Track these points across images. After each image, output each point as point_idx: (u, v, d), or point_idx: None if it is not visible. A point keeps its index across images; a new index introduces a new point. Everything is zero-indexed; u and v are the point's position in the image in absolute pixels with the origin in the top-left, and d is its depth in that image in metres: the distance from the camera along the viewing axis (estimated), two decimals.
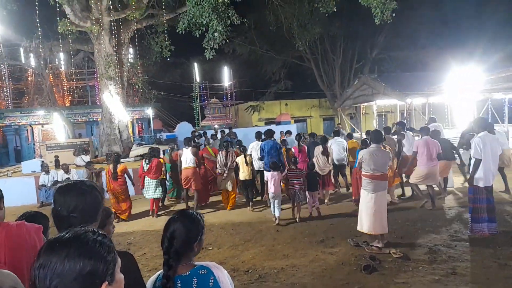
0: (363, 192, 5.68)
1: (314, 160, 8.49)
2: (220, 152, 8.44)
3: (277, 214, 7.23)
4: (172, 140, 16.38)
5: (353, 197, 8.13)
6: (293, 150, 9.12)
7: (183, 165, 8.42)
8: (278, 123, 21.82)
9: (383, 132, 7.56)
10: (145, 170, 8.29)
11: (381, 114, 23.03)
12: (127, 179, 8.26)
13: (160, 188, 8.40)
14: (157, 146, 10.14)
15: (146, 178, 8.29)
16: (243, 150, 8.78)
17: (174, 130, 20.39)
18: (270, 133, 8.65)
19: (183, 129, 18.19)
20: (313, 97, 28.29)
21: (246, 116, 28.35)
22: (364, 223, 5.62)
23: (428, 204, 7.54)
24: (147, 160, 8.36)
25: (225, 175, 8.28)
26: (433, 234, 5.97)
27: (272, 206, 7.34)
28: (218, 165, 8.37)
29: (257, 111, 27.81)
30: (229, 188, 8.38)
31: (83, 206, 1.68)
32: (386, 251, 5.34)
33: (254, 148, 9.04)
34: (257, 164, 8.74)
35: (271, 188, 7.11)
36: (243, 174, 8.36)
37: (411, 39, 23.64)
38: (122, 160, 12.77)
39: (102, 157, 13.86)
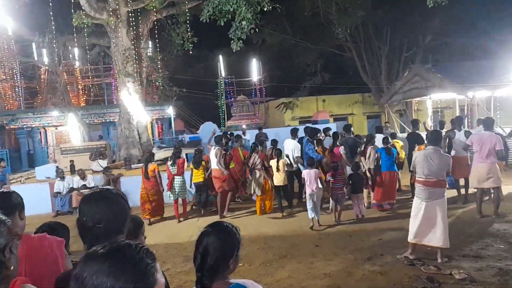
0: (416, 199, 5.66)
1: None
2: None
3: (313, 216, 7.55)
4: (196, 142, 16.61)
5: (374, 200, 8.53)
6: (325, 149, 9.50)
7: (212, 166, 8.95)
8: (315, 122, 21.64)
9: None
10: (173, 173, 8.89)
11: (437, 111, 22.32)
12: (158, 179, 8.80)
13: (186, 187, 8.97)
14: (179, 147, 10.45)
15: (175, 179, 8.85)
16: (278, 153, 8.78)
17: (197, 131, 20.66)
18: (310, 131, 9.06)
19: (208, 130, 18.41)
20: (355, 91, 27.85)
21: (277, 115, 28.32)
22: (416, 233, 5.57)
23: (498, 213, 7.33)
24: (171, 162, 8.89)
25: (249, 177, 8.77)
26: (503, 252, 5.72)
27: (309, 208, 7.61)
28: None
29: (290, 109, 27.71)
30: (257, 192, 8.69)
31: (110, 216, 1.72)
32: (447, 272, 5.14)
33: (289, 146, 9.30)
34: (294, 164, 9.11)
35: (307, 188, 7.66)
36: (276, 179, 8.68)
37: (471, 23, 22.77)
38: (138, 165, 13.11)
39: (120, 162, 14.27)
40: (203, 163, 9.53)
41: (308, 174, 7.71)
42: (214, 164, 8.87)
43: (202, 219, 9.07)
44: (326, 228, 7.62)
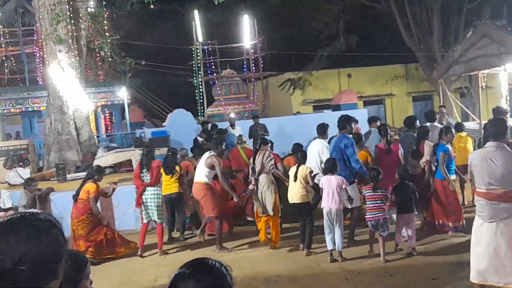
0: (476, 220, 5.71)
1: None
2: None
3: (334, 246, 7.63)
4: (161, 139, 16.60)
5: (426, 218, 8.84)
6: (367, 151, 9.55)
7: (196, 178, 9.06)
8: (336, 108, 21.65)
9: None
10: (144, 181, 9.06)
11: None
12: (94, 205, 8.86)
13: (162, 210, 9.19)
14: (152, 145, 10.57)
15: (146, 192, 9.03)
16: (302, 157, 8.68)
17: (164, 124, 20.65)
18: (345, 122, 8.91)
19: (178, 121, 18.41)
20: (396, 62, 27.89)
21: (281, 97, 28.30)
22: (479, 269, 5.60)
23: None
24: (145, 167, 9.08)
25: (251, 188, 8.72)
26: None
27: (326, 234, 7.67)
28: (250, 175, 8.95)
29: (300, 88, 27.71)
30: (269, 211, 8.66)
31: (37, 253, 1.71)
32: None
33: (314, 151, 9.33)
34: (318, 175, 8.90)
35: (324, 201, 7.74)
36: (291, 193, 8.50)
37: None
38: (78, 174, 13.07)
39: (49, 170, 14.24)
40: (177, 168, 9.61)
41: (327, 182, 7.72)
42: (200, 175, 8.86)
43: (172, 254, 9.06)
44: (354, 261, 7.63)
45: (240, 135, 11.88)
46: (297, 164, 8.55)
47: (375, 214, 7.63)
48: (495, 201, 5.51)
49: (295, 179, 8.37)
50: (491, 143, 5.63)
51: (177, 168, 9.67)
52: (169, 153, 10.12)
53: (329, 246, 7.76)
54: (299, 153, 8.81)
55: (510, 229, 5.50)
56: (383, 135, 9.51)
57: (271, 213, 8.66)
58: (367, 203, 7.77)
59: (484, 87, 21.43)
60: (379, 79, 28.31)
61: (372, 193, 7.67)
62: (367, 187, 7.87)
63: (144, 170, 9.11)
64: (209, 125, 15.87)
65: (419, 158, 9.02)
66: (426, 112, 11.08)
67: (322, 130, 9.51)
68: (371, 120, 11.52)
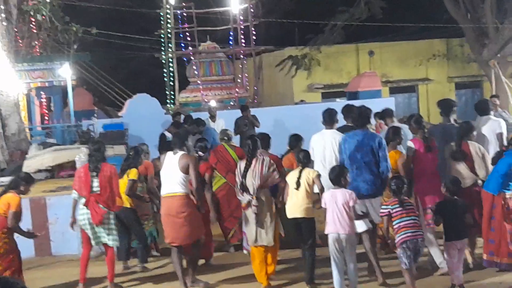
0: None
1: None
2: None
3: (340, 286, 7.59)
4: (116, 134, 16.51)
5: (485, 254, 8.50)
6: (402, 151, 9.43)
7: (163, 191, 8.70)
8: (353, 96, 21.59)
9: None
10: (94, 190, 8.79)
11: None
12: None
13: (115, 227, 8.99)
14: (101, 140, 10.48)
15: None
16: (304, 158, 8.62)
17: (120, 113, 20.54)
18: (364, 116, 8.86)
19: (140, 110, 18.29)
20: (434, 36, 27.86)
21: (279, 81, 28.20)
22: None
23: None
24: (93, 171, 8.85)
25: (251, 209, 8.41)
26: None
27: (333, 268, 7.63)
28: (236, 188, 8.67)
29: (305, 69, 27.61)
30: (268, 240, 8.45)
31: None
32: None
33: (318, 147, 9.27)
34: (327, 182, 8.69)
35: (328, 225, 7.62)
36: (293, 206, 8.44)
37: None
38: (1, 179, 12.92)
39: None
40: (133, 172, 9.58)
41: (332, 197, 7.60)
42: (174, 185, 8.51)
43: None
44: None
45: (225, 130, 11.60)
46: (299, 167, 8.49)
47: (413, 232, 7.39)
48: None
49: (298, 187, 8.31)
50: None
51: (133, 172, 9.60)
52: (131, 153, 10.05)
53: (337, 284, 7.62)
54: (301, 152, 8.73)
55: None
56: (418, 127, 9.08)
57: (271, 243, 8.42)
58: (395, 222, 7.58)
59: None
60: (411, 58, 28.33)
61: (400, 209, 7.55)
62: (392, 201, 7.66)
63: (93, 175, 8.91)
64: (182, 116, 15.80)
65: (461, 162, 8.85)
66: (478, 101, 10.85)
67: (330, 118, 9.30)
68: (384, 115, 11.35)
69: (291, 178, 8.45)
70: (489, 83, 22.76)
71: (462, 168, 8.73)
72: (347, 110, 9.91)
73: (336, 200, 7.57)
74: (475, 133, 9.27)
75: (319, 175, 8.34)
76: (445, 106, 9.77)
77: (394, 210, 7.51)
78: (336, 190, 7.65)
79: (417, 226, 7.51)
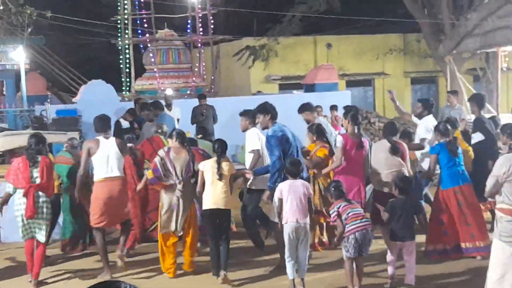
0: (498, 244, 5.91)
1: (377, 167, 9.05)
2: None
3: (295, 275, 7.72)
4: (69, 120, 16.33)
5: (431, 247, 9.15)
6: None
7: (100, 174, 9.00)
8: (309, 88, 21.67)
9: None
10: (34, 180, 8.74)
11: None
12: None
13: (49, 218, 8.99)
14: (40, 133, 10.23)
15: (36, 197, 8.78)
16: (219, 147, 8.92)
17: (74, 99, 20.33)
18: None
19: (95, 96, 18.12)
20: (391, 30, 28.14)
21: (237, 71, 28.16)
22: None
23: None
24: (31, 162, 8.80)
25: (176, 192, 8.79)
26: None
27: (287, 258, 7.76)
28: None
29: (263, 60, 27.65)
30: (177, 226, 8.84)
31: None
32: None
33: (252, 141, 9.41)
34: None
35: (287, 215, 7.74)
36: (213, 198, 8.67)
37: None
38: None
39: None
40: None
41: (290, 188, 7.73)
42: (104, 170, 8.94)
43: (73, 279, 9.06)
44: None
45: (160, 124, 11.82)
46: (216, 157, 8.74)
47: (361, 222, 7.59)
48: None
49: (221, 178, 8.57)
50: None
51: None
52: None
53: (291, 274, 7.75)
54: (216, 142, 9.11)
55: None
56: (353, 123, 9.16)
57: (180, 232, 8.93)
58: (343, 217, 7.72)
59: (504, 68, 21.92)
60: (368, 52, 28.53)
61: (346, 204, 7.74)
62: (336, 202, 7.83)
63: (32, 166, 8.79)
64: (138, 105, 15.63)
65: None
66: (421, 103, 11.06)
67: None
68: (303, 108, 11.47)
69: (208, 169, 8.66)
70: (444, 79, 23.06)
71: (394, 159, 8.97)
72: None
73: (295, 190, 7.71)
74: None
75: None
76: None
77: (341, 208, 7.71)
78: (295, 181, 7.80)
79: (364, 216, 7.78)
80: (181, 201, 8.76)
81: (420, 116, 10.62)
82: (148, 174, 8.99)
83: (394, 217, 7.84)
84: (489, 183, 6.17)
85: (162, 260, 8.96)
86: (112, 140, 9.10)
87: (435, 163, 9.13)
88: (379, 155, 8.95)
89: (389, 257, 7.93)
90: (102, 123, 9.31)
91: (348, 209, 7.69)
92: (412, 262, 7.87)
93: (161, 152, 8.94)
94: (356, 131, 9.09)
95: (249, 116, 9.43)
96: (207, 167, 8.68)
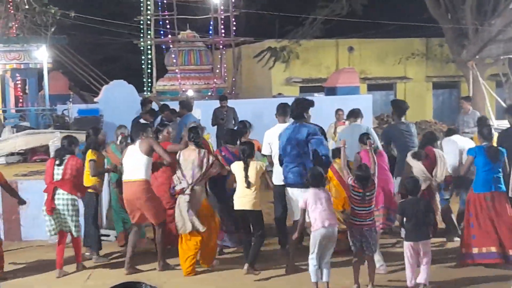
0: None
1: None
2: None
3: (319, 279, 7.76)
4: (91, 120, 16.38)
5: (463, 250, 8.99)
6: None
7: (125, 177, 9.15)
8: (331, 91, 21.65)
9: None
10: (56, 179, 8.98)
11: None
12: None
13: (78, 215, 9.14)
14: (73, 135, 10.37)
15: (58, 194, 8.96)
16: (248, 149, 8.97)
17: (96, 99, 20.42)
18: (302, 107, 9.23)
19: (116, 96, 18.20)
20: (413, 35, 28.00)
21: (258, 73, 28.18)
22: None
23: None
24: (58, 160, 9.04)
25: (184, 197, 8.83)
26: None
27: (311, 263, 7.78)
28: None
29: (283, 62, 27.64)
30: (197, 226, 8.81)
31: None
32: None
33: (273, 140, 9.55)
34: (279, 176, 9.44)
35: (314, 222, 7.80)
36: (243, 198, 8.86)
37: None
38: None
39: None
40: (90, 154, 9.59)
41: (315, 196, 7.78)
42: (136, 171, 8.99)
43: (98, 273, 9.04)
44: None
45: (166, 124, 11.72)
46: (243, 159, 8.85)
47: (362, 223, 7.88)
48: None
49: (247, 181, 8.75)
50: None
51: (89, 153, 9.61)
52: (91, 132, 10.15)
53: (314, 278, 7.79)
54: (245, 145, 9.16)
55: None
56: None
57: (199, 228, 8.85)
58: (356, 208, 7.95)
59: None
60: (390, 56, 28.47)
61: (357, 195, 7.88)
62: (354, 186, 8.00)
63: (57, 163, 9.04)
64: (150, 105, 15.56)
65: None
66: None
67: (282, 111, 9.77)
68: (351, 115, 11.61)
69: (237, 169, 8.83)
70: (466, 84, 22.92)
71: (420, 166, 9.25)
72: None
73: (320, 199, 7.79)
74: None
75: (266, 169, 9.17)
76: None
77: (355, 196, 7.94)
78: (318, 190, 7.88)
79: (368, 215, 7.94)
80: (188, 203, 8.80)
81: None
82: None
83: (406, 218, 7.90)
84: None
85: (182, 260, 8.99)
86: (138, 143, 9.11)
87: (469, 165, 9.17)
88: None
89: (406, 262, 7.88)
90: (136, 129, 9.62)
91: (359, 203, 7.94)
92: (427, 262, 7.86)
93: None
94: None
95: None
96: (236, 170, 8.89)
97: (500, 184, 8.96)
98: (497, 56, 21.48)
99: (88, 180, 9.52)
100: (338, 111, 14.59)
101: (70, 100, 21.85)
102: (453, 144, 10.48)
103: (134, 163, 8.96)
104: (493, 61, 23.14)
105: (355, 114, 11.53)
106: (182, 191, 8.81)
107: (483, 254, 8.92)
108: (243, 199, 8.83)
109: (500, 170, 9.02)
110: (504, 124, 16.29)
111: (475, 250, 8.96)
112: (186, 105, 14.02)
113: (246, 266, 8.78)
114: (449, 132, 11.38)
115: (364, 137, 9.61)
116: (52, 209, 8.85)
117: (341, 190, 9.44)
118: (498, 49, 20.40)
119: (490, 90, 21.30)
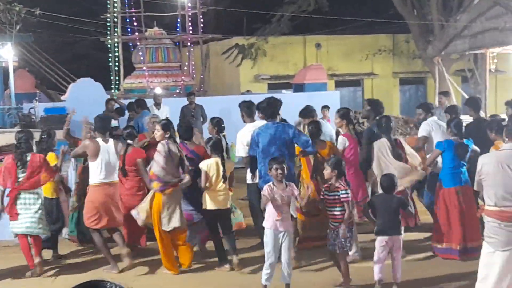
0: (485, 247, 5.91)
1: (376, 166, 9.05)
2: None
3: (286, 279, 7.66)
4: (58, 118, 16.24)
5: (432, 243, 9.09)
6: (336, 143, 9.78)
7: (96, 178, 8.96)
8: (299, 88, 21.69)
9: None
10: (19, 181, 8.78)
11: None
12: None
13: (43, 214, 8.98)
14: (28, 129, 10.21)
15: (20, 197, 8.84)
16: (215, 145, 8.96)
17: (62, 97, 20.24)
18: (276, 106, 9.08)
19: (84, 94, 18.05)
20: (381, 31, 28.17)
21: (226, 70, 28.13)
22: None
23: None
24: (18, 161, 8.81)
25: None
26: None
27: (270, 261, 7.61)
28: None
29: (251, 59, 27.66)
30: (175, 223, 8.73)
31: None
32: None
33: (242, 140, 9.48)
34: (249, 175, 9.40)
35: (269, 219, 7.63)
36: (219, 197, 8.79)
37: None
38: None
39: None
40: (51, 156, 9.44)
41: (275, 192, 7.60)
42: (101, 172, 8.96)
43: (64, 274, 8.97)
44: None
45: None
46: (215, 156, 8.78)
47: (335, 220, 7.77)
48: (510, 222, 5.63)
49: (224, 179, 8.74)
50: (509, 145, 5.75)
51: (51, 156, 9.42)
52: (43, 136, 9.87)
53: (265, 280, 7.70)
54: (214, 142, 9.08)
55: None
56: (351, 123, 9.72)
57: (176, 224, 8.78)
58: (327, 208, 7.90)
59: (493, 70, 21.96)
60: (357, 52, 28.58)
61: (330, 195, 7.80)
62: (326, 185, 7.95)
63: (19, 165, 8.80)
64: (114, 103, 15.43)
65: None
66: (423, 104, 11.23)
67: (247, 110, 9.80)
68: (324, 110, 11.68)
69: (212, 167, 8.68)
70: (433, 80, 23.11)
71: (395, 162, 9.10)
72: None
73: (281, 198, 7.60)
74: None
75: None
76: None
77: (328, 197, 7.83)
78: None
79: (342, 215, 7.74)
80: (168, 201, 8.72)
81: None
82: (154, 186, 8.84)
83: (378, 213, 7.90)
84: (475, 183, 6.25)
85: (164, 258, 8.91)
86: (111, 142, 9.02)
87: (435, 158, 9.14)
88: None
89: (375, 255, 7.84)
90: (103, 124, 9.24)
91: (331, 203, 7.84)
92: (398, 259, 7.81)
93: None
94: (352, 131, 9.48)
95: None
96: (212, 166, 8.71)
97: (467, 178, 9.00)
98: (462, 52, 21.66)
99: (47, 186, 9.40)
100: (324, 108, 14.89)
101: (37, 98, 21.65)
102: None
103: (113, 164, 9.02)
104: (458, 56, 23.36)
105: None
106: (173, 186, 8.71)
107: (445, 249, 8.98)
108: (219, 197, 8.74)
109: (465, 164, 9.07)
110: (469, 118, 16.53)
111: (440, 245, 9.02)
112: (141, 104, 13.95)
113: (234, 258, 8.78)
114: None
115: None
116: (16, 215, 8.73)
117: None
118: (464, 45, 20.55)
119: (456, 85, 21.52)
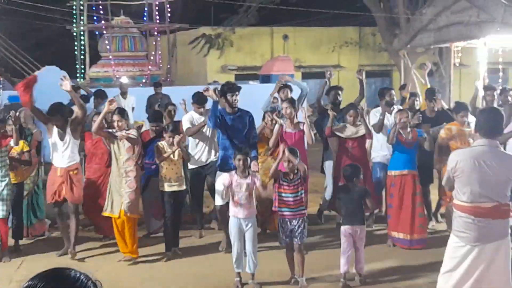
0: (453, 240, 5.86)
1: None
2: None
3: (251, 268, 7.70)
4: (21, 105, 16.08)
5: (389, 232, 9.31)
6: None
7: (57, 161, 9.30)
8: (266, 79, 21.73)
9: None
10: None
11: (497, 68, 23.30)
12: None
13: (10, 195, 9.15)
14: None
15: None
16: (170, 127, 9.19)
17: None
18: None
19: (48, 82, 17.79)
20: (347, 23, 28.26)
21: (193, 60, 28.05)
22: None
23: None
24: None
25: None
26: None
27: (235, 249, 7.72)
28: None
29: (218, 49, 27.64)
30: (123, 207, 8.83)
31: None
32: None
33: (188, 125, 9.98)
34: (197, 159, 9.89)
35: (234, 207, 7.72)
36: (172, 180, 8.96)
37: None
38: None
39: None
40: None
41: (230, 178, 7.74)
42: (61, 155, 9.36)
43: (31, 262, 8.95)
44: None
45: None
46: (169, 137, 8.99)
47: (283, 207, 7.79)
48: (485, 217, 5.63)
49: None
50: (483, 141, 5.75)
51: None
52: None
53: (237, 267, 7.86)
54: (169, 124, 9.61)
55: (501, 255, 5.65)
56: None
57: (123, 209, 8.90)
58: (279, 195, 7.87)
59: (457, 64, 22.15)
60: (324, 44, 28.71)
61: (285, 181, 7.81)
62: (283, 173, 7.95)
63: None
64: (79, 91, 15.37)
65: None
66: (381, 90, 11.46)
67: (198, 99, 10.31)
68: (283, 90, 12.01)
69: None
70: (398, 73, 23.30)
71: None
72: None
73: (245, 182, 7.72)
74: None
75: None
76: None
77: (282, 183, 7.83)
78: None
79: (295, 204, 7.78)
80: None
81: None
82: None
83: (342, 203, 8.00)
84: (444, 178, 6.27)
85: (119, 243, 9.00)
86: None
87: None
88: None
89: (346, 244, 7.83)
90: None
91: (285, 189, 7.82)
92: (361, 250, 7.87)
93: None
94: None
95: None
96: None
97: (415, 165, 9.14)
98: (427, 45, 21.86)
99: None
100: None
101: (0, 86, 21.40)
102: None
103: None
104: (424, 50, 23.54)
105: None
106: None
107: (396, 239, 9.10)
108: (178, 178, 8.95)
109: (415, 151, 9.20)
110: None
111: (393, 234, 9.13)
112: (100, 94, 13.83)
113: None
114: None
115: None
116: None
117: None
118: (429, 38, 20.73)
119: (421, 78, 21.65)
